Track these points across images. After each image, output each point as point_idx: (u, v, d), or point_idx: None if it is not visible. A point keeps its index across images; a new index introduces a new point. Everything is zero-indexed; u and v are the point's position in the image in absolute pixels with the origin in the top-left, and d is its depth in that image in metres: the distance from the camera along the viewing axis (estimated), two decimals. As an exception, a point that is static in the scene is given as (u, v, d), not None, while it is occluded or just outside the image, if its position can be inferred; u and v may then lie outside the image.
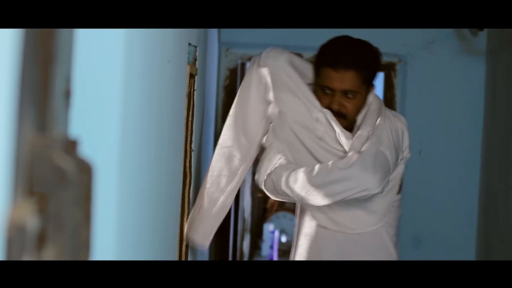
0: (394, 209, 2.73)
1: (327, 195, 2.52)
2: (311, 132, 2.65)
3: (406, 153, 2.71)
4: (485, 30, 4.56)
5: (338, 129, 2.62)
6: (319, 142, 2.65)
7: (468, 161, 4.67)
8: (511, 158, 3.96)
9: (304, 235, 2.79)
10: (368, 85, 2.67)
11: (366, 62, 2.63)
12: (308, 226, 2.78)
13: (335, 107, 2.63)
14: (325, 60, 2.63)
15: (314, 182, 2.53)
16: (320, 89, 2.66)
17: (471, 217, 4.65)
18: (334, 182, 2.51)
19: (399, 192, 2.76)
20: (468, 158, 4.68)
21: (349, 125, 2.69)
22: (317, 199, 2.54)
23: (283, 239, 6.96)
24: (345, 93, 2.62)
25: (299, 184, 2.56)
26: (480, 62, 4.63)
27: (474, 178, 4.65)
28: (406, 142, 2.69)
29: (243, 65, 5.06)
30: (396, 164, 2.63)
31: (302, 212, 2.83)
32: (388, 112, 2.71)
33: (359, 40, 2.71)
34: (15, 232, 0.76)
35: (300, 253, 2.80)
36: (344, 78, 2.61)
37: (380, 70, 2.77)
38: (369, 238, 2.69)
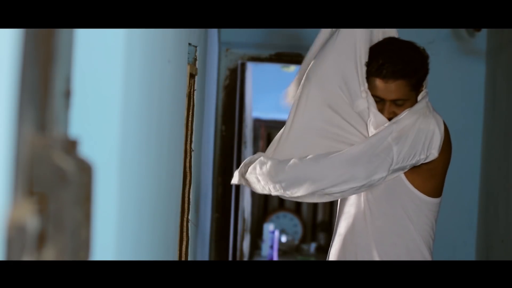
0: (430, 213, 2.71)
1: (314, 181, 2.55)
2: (349, 105, 2.66)
3: (432, 156, 2.65)
4: (485, 30, 4.56)
5: (372, 117, 2.62)
6: (354, 114, 2.64)
7: (468, 161, 4.67)
8: (511, 158, 3.96)
9: (338, 235, 2.79)
10: (418, 89, 2.66)
11: (414, 69, 2.60)
12: (342, 226, 2.78)
13: (386, 115, 2.62)
14: (373, 70, 2.62)
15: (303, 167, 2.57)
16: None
17: (471, 217, 4.65)
18: (321, 169, 2.54)
19: (439, 195, 2.73)
20: (468, 158, 4.68)
21: None
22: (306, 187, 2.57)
23: (283, 239, 6.97)
24: (394, 101, 2.62)
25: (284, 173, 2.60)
26: (480, 62, 4.64)
27: (474, 178, 4.65)
28: (433, 144, 2.65)
29: (243, 65, 5.06)
30: (407, 161, 2.61)
31: (339, 210, 2.82)
32: (429, 112, 2.69)
33: (405, 44, 2.66)
34: (15, 232, 0.76)
35: (333, 254, 2.79)
36: (393, 89, 2.60)
37: (428, 68, 2.68)
38: (402, 241, 2.67)
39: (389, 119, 2.63)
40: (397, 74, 2.59)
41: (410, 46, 2.67)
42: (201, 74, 3.01)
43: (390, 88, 2.60)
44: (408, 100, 2.62)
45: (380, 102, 2.63)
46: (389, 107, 2.62)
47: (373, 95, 2.63)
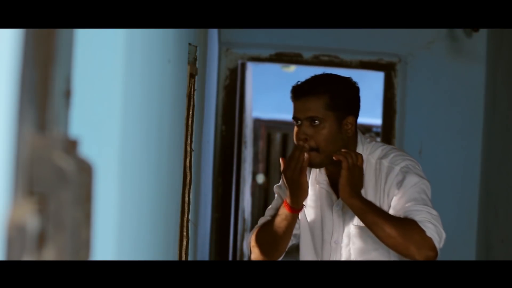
0: None
1: None
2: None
3: (392, 200, 2.58)
4: (484, 30, 4.56)
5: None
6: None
7: (468, 161, 4.67)
8: (511, 158, 3.96)
9: None
10: (338, 111, 2.55)
11: (327, 85, 2.54)
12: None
13: (301, 136, 2.53)
14: (291, 93, 2.62)
15: None
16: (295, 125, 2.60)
17: (471, 217, 4.65)
18: None
19: None
20: (468, 158, 4.68)
21: (329, 163, 2.58)
22: None
23: (283, 239, 6.95)
24: (311, 122, 2.53)
25: None
26: (480, 62, 4.64)
27: (474, 178, 4.65)
28: (389, 186, 2.58)
29: (243, 65, 5.06)
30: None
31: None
32: (371, 152, 2.61)
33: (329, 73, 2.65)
34: (15, 232, 0.76)
35: None
36: (304, 105, 2.53)
37: (355, 95, 2.60)
38: None
39: (303, 140, 2.53)
40: (306, 90, 2.53)
41: (333, 74, 2.64)
42: (201, 74, 3.01)
43: (302, 106, 2.54)
44: (325, 121, 2.52)
45: (298, 125, 2.56)
46: (305, 128, 2.53)
47: (293, 118, 2.58)
